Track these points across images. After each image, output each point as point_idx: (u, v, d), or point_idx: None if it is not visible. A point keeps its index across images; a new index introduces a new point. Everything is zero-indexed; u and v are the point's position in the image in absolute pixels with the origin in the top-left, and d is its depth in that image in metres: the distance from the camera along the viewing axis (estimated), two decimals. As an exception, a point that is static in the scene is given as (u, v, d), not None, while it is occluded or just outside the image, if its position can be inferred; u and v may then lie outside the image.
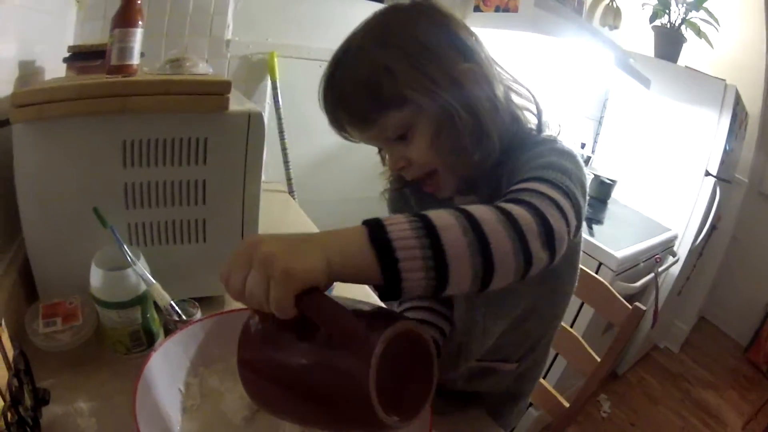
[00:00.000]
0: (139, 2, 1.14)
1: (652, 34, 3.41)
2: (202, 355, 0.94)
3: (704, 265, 3.79)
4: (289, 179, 2.39)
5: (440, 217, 0.64)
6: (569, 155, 0.91)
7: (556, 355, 2.36)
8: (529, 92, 1.03)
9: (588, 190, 0.90)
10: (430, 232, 0.61)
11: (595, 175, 3.24)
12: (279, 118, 2.30)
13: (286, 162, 2.36)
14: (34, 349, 1.00)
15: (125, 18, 1.14)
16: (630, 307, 1.48)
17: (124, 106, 1.07)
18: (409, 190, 1.19)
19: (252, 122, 1.17)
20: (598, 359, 1.52)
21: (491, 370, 1.15)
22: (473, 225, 0.63)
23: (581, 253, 1.12)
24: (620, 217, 3.19)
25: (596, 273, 2.38)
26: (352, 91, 0.93)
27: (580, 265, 1.30)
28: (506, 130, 0.95)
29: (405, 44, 0.91)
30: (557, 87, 3.18)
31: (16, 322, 1.03)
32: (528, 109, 1.02)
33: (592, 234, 2.69)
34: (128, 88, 1.09)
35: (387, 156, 1.03)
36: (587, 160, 3.28)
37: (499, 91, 0.96)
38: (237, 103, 1.21)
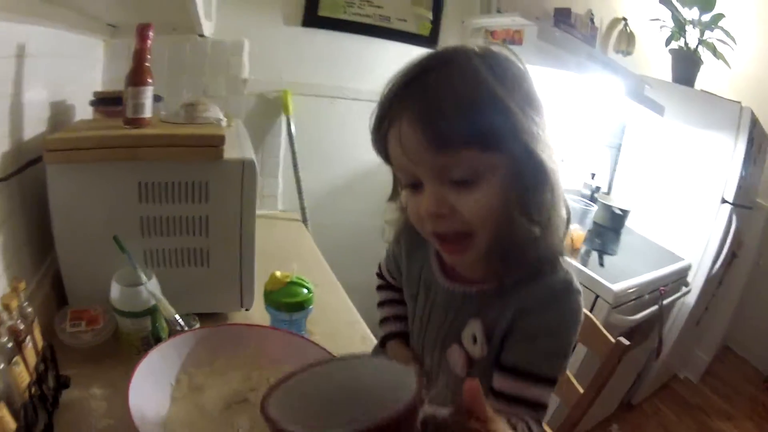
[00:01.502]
0: (147, 64, 1.47)
1: (668, 56, 3.56)
2: (192, 358, 1.22)
3: (724, 294, 3.83)
4: (302, 208, 2.74)
5: None
6: (578, 323, 0.94)
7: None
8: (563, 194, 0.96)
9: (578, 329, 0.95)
10: None
11: (607, 205, 3.33)
12: (293, 152, 2.67)
13: (299, 192, 2.71)
14: (61, 344, 1.36)
15: (136, 78, 1.47)
16: (613, 341, 1.50)
17: (135, 156, 1.43)
18: (403, 240, 1.19)
19: (246, 168, 1.51)
20: (581, 390, 1.57)
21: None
22: None
23: None
24: (633, 248, 3.25)
25: (593, 306, 2.56)
26: (452, 104, 0.83)
27: None
28: (557, 237, 0.93)
29: (520, 88, 0.88)
30: (573, 115, 3.36)
31: (47, 322, 1.36)
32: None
33: (602, 264, 2.81)
34: (138, 141, 1.45)
35: (421, 198, 0.90)
36: (596, 190, 3.40)
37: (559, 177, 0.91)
38: (235, 150, 1.57)
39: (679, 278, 3.14)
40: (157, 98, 1.61)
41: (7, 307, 1.14)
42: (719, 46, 3.39)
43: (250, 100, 2.61)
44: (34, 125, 1.51)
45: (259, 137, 2.68)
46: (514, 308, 0.93)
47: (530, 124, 0.84)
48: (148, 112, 1.51)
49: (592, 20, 3.21)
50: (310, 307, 1.54)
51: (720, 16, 3.33)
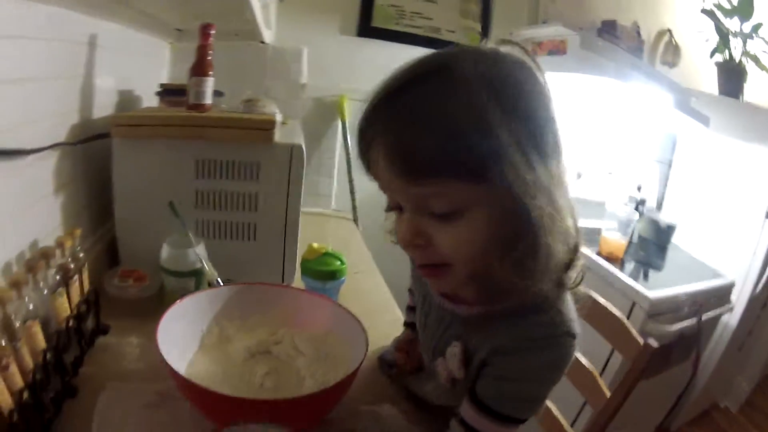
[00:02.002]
0: (209, 57, 1.57)
1: (714, 69, 3.36)
2: (226, 311, 1.21)
3: (769, 318, 3.44)
4: (354, 208, 2.74)
5: None
6: (562, 370, 0.82)
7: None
8: (577, 228, 0.79)
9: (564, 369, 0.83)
10: None
11: (653, 219, 3.16)
12: (347, 154, 2.69)
13: (352, 193, 2.72)
14: (107, 299, 1.38)
15: (199, 69, 1.58)
16: (641, 342, 1.39)
17: (196, 135, 1.51)
18: None
19: (294, 152, 1.56)
20: (608, 394, 1.44)
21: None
22: None
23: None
24: (679, 264, 3.03)
25: (629, 314, 2.40)
26: (429, 130, 0.68)
27: (595, 295, 1.45)
28: (537, 264, 0.73)
29: (521, 115, 0.69)
30: (620, 127, 3.24)
31: (97, 278, 1.39)
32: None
33: (646, 278, 2.66)
34: (199, 122, 1.53)
35: (401, 222, 0.78)
36: (641, 202, 3.20)
37: (562, 212, 0.74)
38: (287, 137, 1.61)
39: (721, 295, 2.90)
40: (218, 93, 1.69)
41: (60, 245, 1.16)
42: (762, 57, 3.18)
43: (308, 104, 2.65)
44: (102, 108, 1.57)
45: (316, 139, 2.71)
46: (493, 344, 0.82)
47: (527, 162, 0.68)
48: (208, 100, 1.60)
49: (638, 32, 3.10)
50: (343, 278, 1.52)
51: (759, 25, 3.15)
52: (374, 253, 2.20)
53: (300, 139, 1.62)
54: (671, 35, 3.35)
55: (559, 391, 1.68)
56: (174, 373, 0.96)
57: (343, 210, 2.76)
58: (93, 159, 1.54)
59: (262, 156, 1.53)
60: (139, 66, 1.98)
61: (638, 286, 2.45)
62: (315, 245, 1.54)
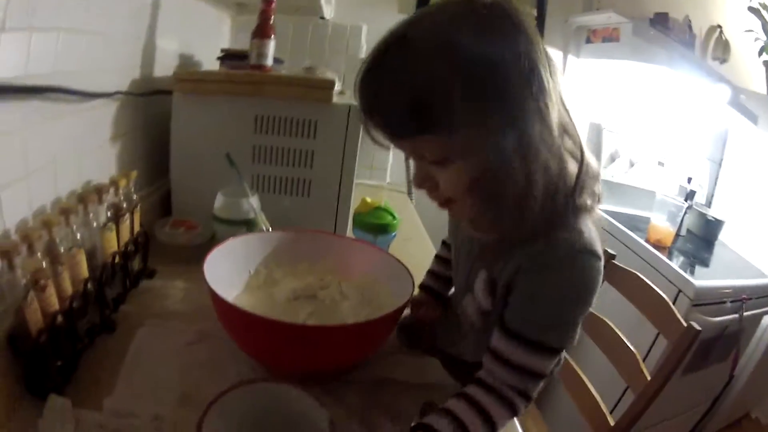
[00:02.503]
0: (271, 22, 1.51)
1: (762, 69, 3.09)
2: (276, 255, 1.13)
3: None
4: (409, 181, 2.59)
5: None
6: (586, 288, 0.76)
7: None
8: (579, 138, 0.78)
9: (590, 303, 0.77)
10: None
11: (701, 213, 2.93)
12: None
13: (407, 166, 2.55)
14: (157, 246, 1.30)
15: (261, 32, 1.51)
16: (685, 324, 1.29)
17: (256, 92, 1.42)
18: None
19: (351, 113, 1.45)
20: (649, 377, 1.33)
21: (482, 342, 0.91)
22: None
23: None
24: (725, 262, 2.76)
25: (674, 301, 2.22)
26: (392, 98, 0.71)
27: (641, 275, 1.39)
28: (547, 202, 0.73)
29: (476, 66, 0.67)
30: (671, 120, 3.06)
31: (149, 226, 1.31)
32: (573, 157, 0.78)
33: (692, 272, 2.42)
34: (261, 79, 1.46)
35: (413, 169, 0.81)
36: (691, 194, 3.03)
37: (556, 147, 0.73)
38: (345, 100, 1.51)
39: (766, 294, 2.65)
40: (278, 60, 1.61)
41: (114, 183, 1.09)
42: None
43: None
44: (164, 68, 1.50)
45: (374, 113, 2.53)
46: (516, 264, 0.77)
47: (488, 111, 0.68)
48: (269, 62, 1.53)
49: (689, 27, 2.91)
50: (394, 233, 1.43)
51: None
52: (428, 228, 2.05)
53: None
54: (721, 32, 3.12)
55: (600, 375, 1.54)
56: (216, 297, 0.86)
57: (398, 183, 2.64)
58: (152, 114, 1.48)
59: (320, 115, 1.44)
60: (201, 34, 1.91)
61: (684, 273, 2.27)
62: (368, 199, 1.45)
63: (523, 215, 0.72)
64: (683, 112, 3.03)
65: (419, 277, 1.11)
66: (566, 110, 0.76)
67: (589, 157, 0.77)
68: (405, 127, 0.71)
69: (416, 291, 1.03)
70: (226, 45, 1.92)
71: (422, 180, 0.78)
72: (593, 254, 0.75)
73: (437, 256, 1.18)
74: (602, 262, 0.76)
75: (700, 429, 2.95)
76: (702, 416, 2.85)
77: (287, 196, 1.49)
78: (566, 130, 0.76)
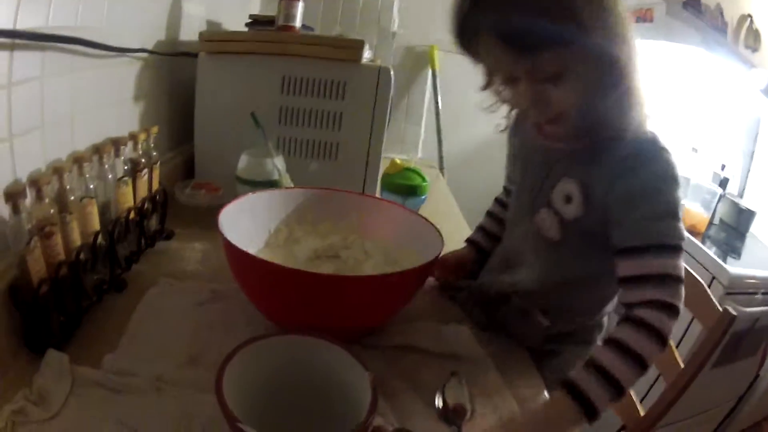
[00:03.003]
0: None
1: None
2: (297, 214, 1.05)
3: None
4: (440, 157, 2.51)
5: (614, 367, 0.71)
6: (675, 180, 0.81)
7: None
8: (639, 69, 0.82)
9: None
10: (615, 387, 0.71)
11: (733, 202, 2.78)
12: (436, 103, 2.46)
13: (440, 141, 2.49)
14: (178, 208, 1.24)
15: None
16: (720, 309, 1.23)
17: (283, 51, 1.34)
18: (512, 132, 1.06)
19: (381, 75, 1.36)
20: (682, 365, 1.26)
21: (524, 314, 0.95)
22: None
23: None
24: (756, 254, 2.58)
25: (709, 287, 2.14)
26: (522, 12, 0.73)
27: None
28: (628, 101, 0.79)
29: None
30: (707, 109, 2.94)
31: (170, 188, 1.24)
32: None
33: (725, 262, 2.27)
34: (288, 38, 1.38)
35: (519, 89, 0.80)
36: (724, 182, 2.90)
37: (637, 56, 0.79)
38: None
39: None
40: (307, 27, 1.55)
41: (133, 138, 1.03)
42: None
43: (399, 52, 2.43)
44: (190, 33, 1.43)
45: (405, 87, 2.48)
46: (609, 170, 0.81)
47: (603, 20, 0.74)
48: (297, 23, 1.44)
49: (721, 14, 2.78)
50: (423, 196, 1.36)
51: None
52: (461, 206, 1.96)
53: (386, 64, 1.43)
54: (752, 21, 2.98)
55: None
56: (229, 246, 0.79)
57: (430, 159, 2.54)
58: (177, 77, 1.41)
59: (349, 75, 1.35)
60: (230, 1, 1.84)
61: (719, 260, 2.18)
62: (398, 160, 1.38)
63: (623, 115, 0.78)
64: (717, 97, 2.91)
65: (449, 246, 1.03)
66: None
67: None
68: (532, 40, 0.73)
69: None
70: (256, 11, 1.85)
71: (535, 101, 0.79)
72: (667, 150, 0.81)
73: (489, 213, 1.18)
74: None
75: (723, 429, 2.81)
76: (726, 415, 2.74)
77: (314, 160, 1.41)
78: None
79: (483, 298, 1.00)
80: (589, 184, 0.83)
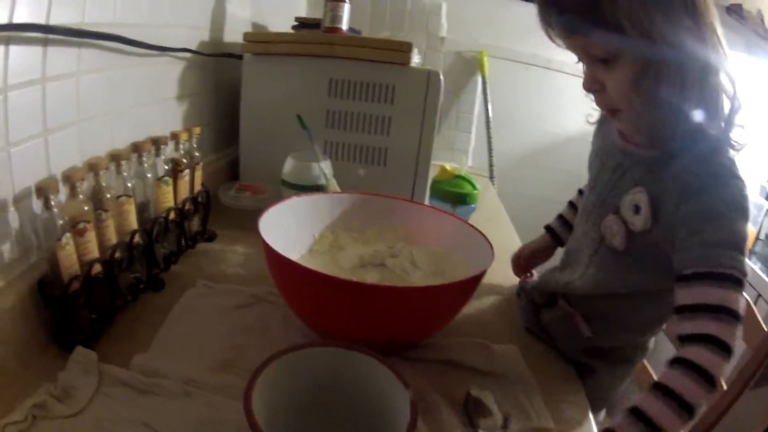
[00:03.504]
0: None
1: None
2: (344, 220, 1.01)
3: None
4: (491, 165, 2.44)
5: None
6: (743, 211, 0.75)
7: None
8: (734, 83, 0.79)
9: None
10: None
11: None
12: (486, 110, 2.38)
13: (490, 150, 2.42)
14: (221, 210, 1.20)
15: None
16: (766, 329, 1.18)
17: (329, 53, 1.31)
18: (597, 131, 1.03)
19: (431, 79, 1.31)
20: (725, 388, 1.20)
21: (568, 319, 0.92)
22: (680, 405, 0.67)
23: None
24: None
25: (754, 304, 2.01)
26: None
27: None
28: (699, 112, 0.77)
29: None
30: (755, 121, 2.78)
31: (213, 190, 1.21)
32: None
33: None
34: (334, 39, 1.33)
35: (584, 74, 0.83)
36: None
37: (710, 66, 0.76)
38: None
39: None
40: (354, 30, 1.52)
41: (174, 137, 1.01)
42: None
43: (448, 58, 2.36)
44: (235, 35, 1.40)
45: (455, 93, 2.42)
46: (678, 187, 0.76)
47: (647, 12, 0.70)
48: (343, 26, 1.41)
49: (762, 20, 2.69)
50: (473, 204, 1.30)
51: None
52: (513, 216, 1.89)
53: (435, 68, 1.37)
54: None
55: None
56: (269, 251, 0.75)
57: (480, 168, 2.45)
58: (222, 79, 1.40)
59: (397, 79, 1.31)
60: (275, 3, 1.82)
61: (765, 277, 2.06)
62: (448, 167, 1.33)
63: (680, 124, 0.75)
64: (762, 106, 2.76)
65: (500, 259, 0.95)
66: (724, 52, 0.77)
67: (741, 97, 0.77)
68: (577, 21, 0.74)
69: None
70: (302, 14, 1.84)
71: (591, 82, 0.80)
72: (742, 180, 0.75)
73: (571, 203, 1.13)
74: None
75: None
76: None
77: (362, 165, 1.37)
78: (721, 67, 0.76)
79: (537, 299, 0.96)
80: (658, 196, 0.78)
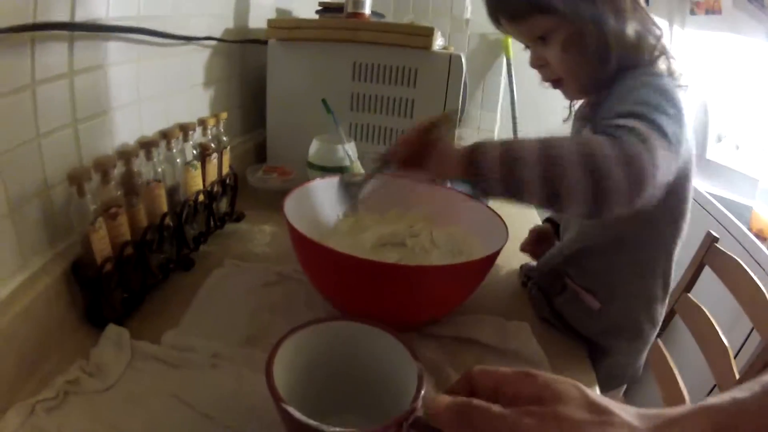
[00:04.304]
0: None
1: None
2: (366, 202, 1.02)
3: None
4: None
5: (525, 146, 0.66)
6: (664, 92, 0.75)
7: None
8: (660, 32, 0.86)
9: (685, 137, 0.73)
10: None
11: None
12: (512, 91, 2.38)
13: (515, 131, 2.42)
14: (249, 191, 1.24)
15: None
16: None
17: (353, 38, 1.33)
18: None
19: (452, 62, 1.32)
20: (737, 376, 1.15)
21: (576, 297, 0.92)
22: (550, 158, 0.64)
23: (689, 202, 0.88)
24: None
25: None
26: None
27: (742, 263, 1.20)
28: (625, 54, 0.83)
29: None
30: None
31: (241, 172, 1.23)
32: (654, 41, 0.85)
33: None
34: (358, 24, 1.35)
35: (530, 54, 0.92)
36: None
37: (630, 26, 0.83)
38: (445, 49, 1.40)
39: None
40: (377, 14, 1.54)
41: (202, 123, 1.03)
42: None
43: (473, 40, 2.36)
44: (260, 21, 1.42)
45: (480, 74, 2.42)
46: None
47: None
48: (366, 10, 1.43)
49: None
50: None
51: None
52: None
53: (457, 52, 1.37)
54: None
55: (690, 366, 1.35)
56: (294, 231, 0.76)
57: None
58: (248, 64, 1.42)
59: (420, 62, 1.33)
60: None
61: None
62: None
63: (606, 62, 0.82)
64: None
65: (516, 238, 1.02)
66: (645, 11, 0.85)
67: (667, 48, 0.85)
68: (519, 9, 0.85)
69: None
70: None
71: (535, 59, 0.89)
72: (674, 86, 0.78)
73: None
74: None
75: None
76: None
77: (387, 147, 1.37)
78: (644, 21, 0.85)
79: (544, 286, 0.97)
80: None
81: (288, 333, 0.56)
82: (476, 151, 0.68)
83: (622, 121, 0.67)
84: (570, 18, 0.82)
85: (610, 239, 0.88)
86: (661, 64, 0.85)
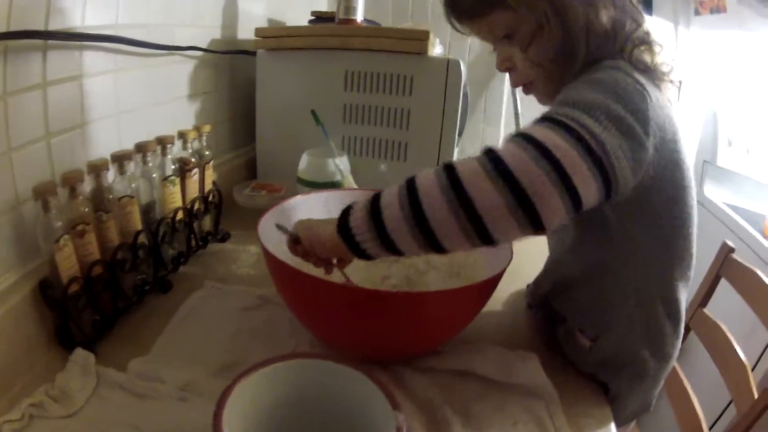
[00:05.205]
0: None
1: None
2: None
3: None
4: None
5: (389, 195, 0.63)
6: (609, 89, 0.68)
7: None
8: (641, 18, 0.82)
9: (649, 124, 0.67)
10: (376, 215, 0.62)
11: None
12: (515, 102, 2.34)
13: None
14: (236, 210, 1.22)
15: None
16: None
17: (345, 45, 1.31)
18: None
19: (450, 68, 1.30)
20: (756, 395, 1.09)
21: (571, 337, 0.87)
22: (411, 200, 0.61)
23: (681, 218, 0.80)
24: None
25: None
26: None
27: (760, 273, 1.15)
28: (596, 45, 0.78)
29: None
30: None
31: (228, 189, 1.23)
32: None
33: None
34: (349, 31, 1.33)
35: (496, 57, 0.87)
36: None
37: (602, 13, 0.78)
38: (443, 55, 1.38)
39: None
40: (371, 22, 1.52)
41: (182, 136, 1.01)
42: None
43: (474, 49, 2.33)
44: (249, 32, 1.39)
45: (481, 85, 2.39)
46: None
47: None
48: (358, 16, 1.40)
49: None
50: None
51: None
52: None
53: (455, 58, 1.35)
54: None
55: (705, 381, 1.32)
56: (267, 254, 0.73)
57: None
58: (237, 77, 1.41)
59: (415, 68, 1.30)
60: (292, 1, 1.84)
61: None
62: None
63: (573, 59, 0.77)
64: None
65: (521, 254, 0.92)
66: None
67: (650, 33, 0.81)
68: (473, 8, 0.81)
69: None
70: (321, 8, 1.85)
71: (502, 61, 0.85)
72: (631, 74, 0.72)
73: None
74: (645, 91, 0.69)
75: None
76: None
77: (382, 160, 1.36)
78: (624, 9, 0.80)
79: (541, 313, 0.93)
80: None
81: (243, 372, 0.52)
82: (343, 215, 0.64)
83: (529, 128, 0.63)
84: (529, 9, 0.78)
85: (592, 264, 0.82)
86: (644, 56, 0.78)
